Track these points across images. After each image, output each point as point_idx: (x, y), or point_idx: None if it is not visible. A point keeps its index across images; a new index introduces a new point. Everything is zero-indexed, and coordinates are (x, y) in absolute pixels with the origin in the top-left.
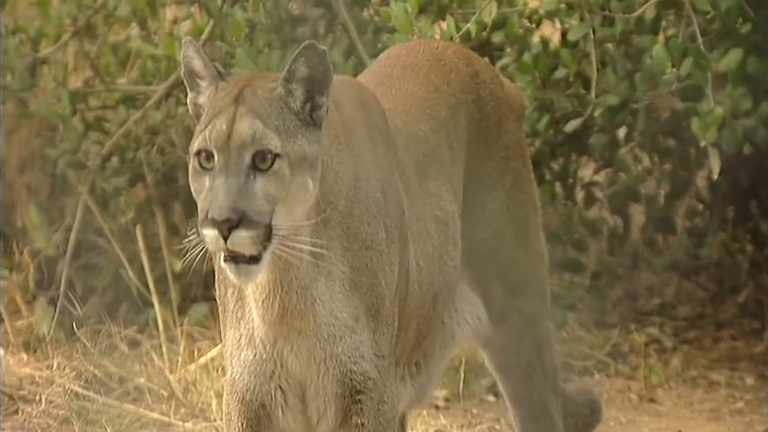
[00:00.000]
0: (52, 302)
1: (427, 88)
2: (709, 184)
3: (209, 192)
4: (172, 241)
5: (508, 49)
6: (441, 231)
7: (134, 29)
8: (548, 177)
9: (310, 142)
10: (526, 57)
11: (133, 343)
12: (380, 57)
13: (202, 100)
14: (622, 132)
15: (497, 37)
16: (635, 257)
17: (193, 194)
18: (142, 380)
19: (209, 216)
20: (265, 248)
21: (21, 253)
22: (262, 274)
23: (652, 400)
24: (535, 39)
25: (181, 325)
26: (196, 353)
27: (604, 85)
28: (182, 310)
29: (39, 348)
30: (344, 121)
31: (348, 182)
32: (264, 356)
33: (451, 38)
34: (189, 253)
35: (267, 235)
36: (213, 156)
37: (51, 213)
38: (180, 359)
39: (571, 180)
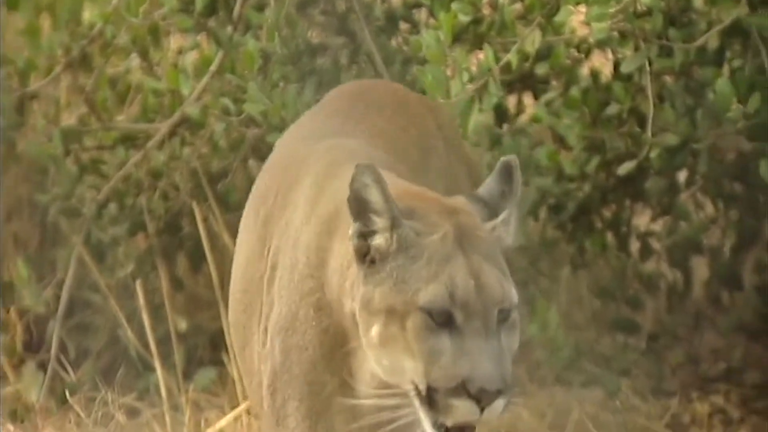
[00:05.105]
0: (42, 366)
1: None
2: None
3: (462, 356)
4: (176, 297)
5: (554, 83)
6: None
7: (134, 60)
8: (599, 225)
9: None
10: (574, 91)
11: (133, 412)
12: None
13: (379, 241)
14: (681, 175)
15: (541, 69)
16: (697, 316)
17: (419, 353)
18: None
19: (474, 385)
20: None
21: (7, 312)
22: None
23: None
24: (584, 71)
25: (186, 391)
26: (203, 423)
27: (661, 123)
28: (187, 375)
29: (27, 418)
30: None
31: None
32: None
33: (489, 70)
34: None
35: None
36: (453, 314)
37: (41, 266)
38: (185, 430)
39: (624, 229)
